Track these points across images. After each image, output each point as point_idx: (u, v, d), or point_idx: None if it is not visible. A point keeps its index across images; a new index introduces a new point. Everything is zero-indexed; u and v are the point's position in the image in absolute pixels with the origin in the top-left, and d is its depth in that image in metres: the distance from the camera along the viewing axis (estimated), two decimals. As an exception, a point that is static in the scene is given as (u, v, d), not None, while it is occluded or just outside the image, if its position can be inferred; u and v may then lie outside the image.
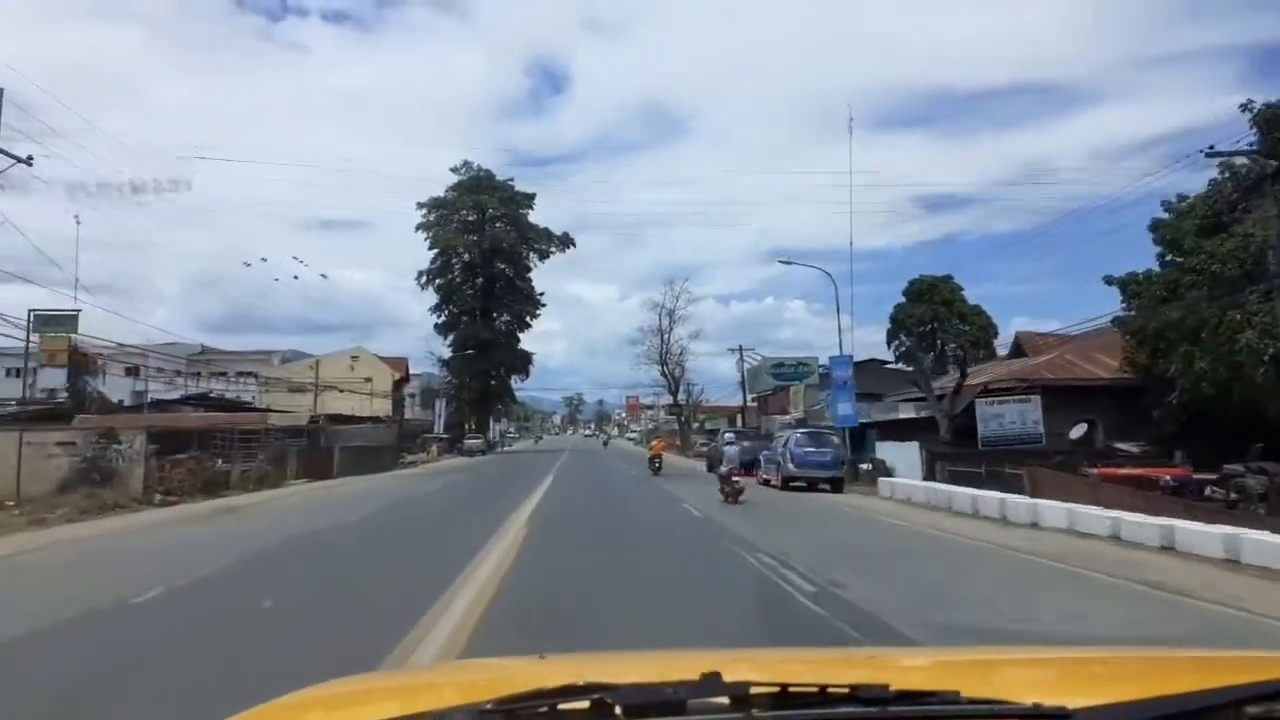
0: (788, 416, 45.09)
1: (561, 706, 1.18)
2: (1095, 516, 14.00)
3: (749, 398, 61.44)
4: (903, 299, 29.63)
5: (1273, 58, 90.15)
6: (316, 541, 14.10)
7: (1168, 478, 19.48)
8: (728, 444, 26.60)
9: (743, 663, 1.96)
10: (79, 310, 29.24)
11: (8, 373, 46.14)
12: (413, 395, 74.53)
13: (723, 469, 22.48)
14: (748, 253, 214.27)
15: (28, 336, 29.29)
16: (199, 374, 58.28)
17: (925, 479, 24.07)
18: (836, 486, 25.27)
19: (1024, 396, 26.75)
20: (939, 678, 1.80)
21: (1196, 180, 26.98)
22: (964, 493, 18.97)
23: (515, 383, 73.97)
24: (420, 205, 65.87)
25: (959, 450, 25.52)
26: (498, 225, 65.91)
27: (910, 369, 31.03)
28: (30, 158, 21.16)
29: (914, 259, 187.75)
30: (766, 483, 27.77)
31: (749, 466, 29.10)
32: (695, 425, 74.14)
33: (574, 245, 70.06)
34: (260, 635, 7.03)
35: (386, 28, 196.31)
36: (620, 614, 7.78)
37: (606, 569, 10.87)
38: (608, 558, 11.96)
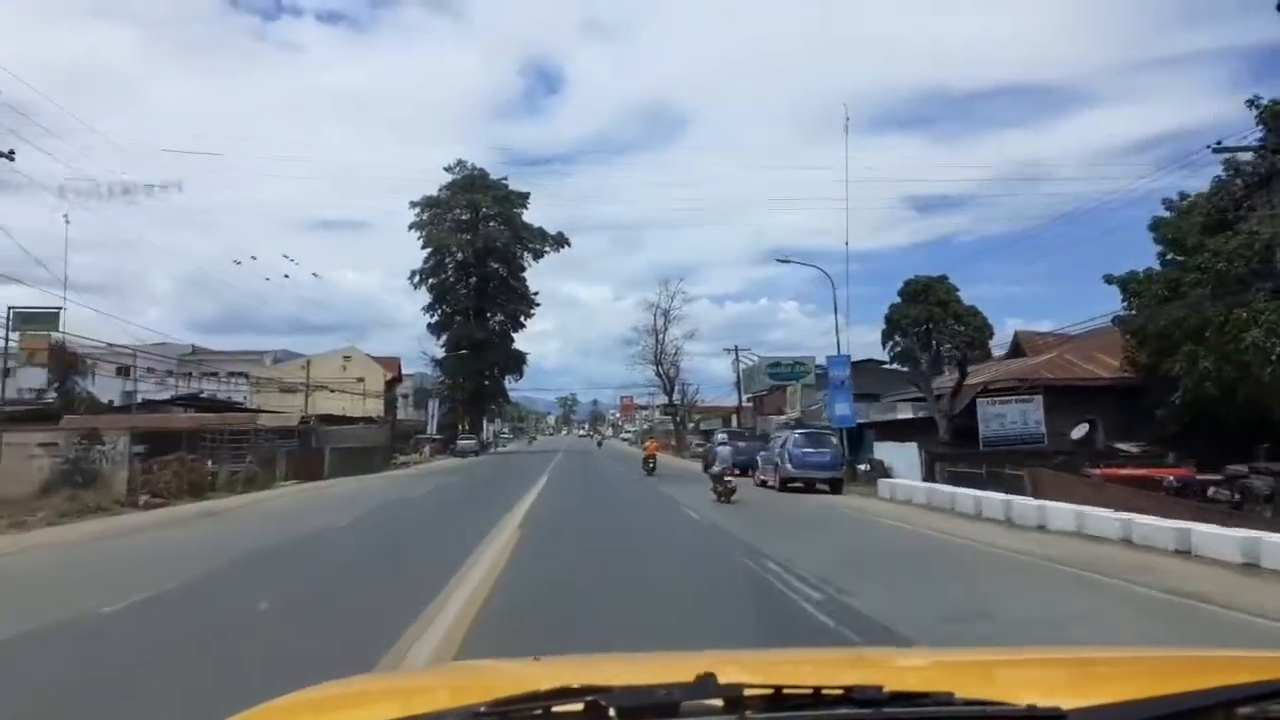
0: (784, 417, 44.79)
1: (556, 709, 1.18)
2: (1105, 519, 13.57)
3: (744, 398, 61.14)
4: (898, 300, 29.38)
5: (1269, 60, 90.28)
6: (294, 550, 13.15)
7: (1171, 479, 19.16)
8: (720, 444, 26.78)
9: (737, 664, 1.98)
10: (60, 308, 28.72)
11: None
12: (405, 396, 74.09)
13: (715, 469, 22.80)
14: (743, 253, 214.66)
15: (6, 335, 28.78)
16: (190, 374, 57.90)
17: (924, 480, 23.77)
18: (835, 488, 24.98)
19: (1026, 396, 26.48)
20: (934, 678, 1.80)
21: (1193, 181, 26.77)
22: (967, 494, 18.60)
23: (509, 383, 73.60)
24: (413, 204, 65.49)
25: (958, 451, 25.23)
26: (491, 224, 65.48)
27: (906, 369, 30.79)
28: (12, 152, 20.77)
29: (908, 260, 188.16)
30: (764, 484, 27.45)
31: (745, 467, 28.99)
32: (690, 426, 73.83)
33: (569, 245, 69.78)
34: (216, 655, 6.54)
35: (381, 28, 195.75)
36: (617, 625, 7.38)
37: (605, 574, 10.52)
38: (606, 560, 11.57)
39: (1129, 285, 25.06)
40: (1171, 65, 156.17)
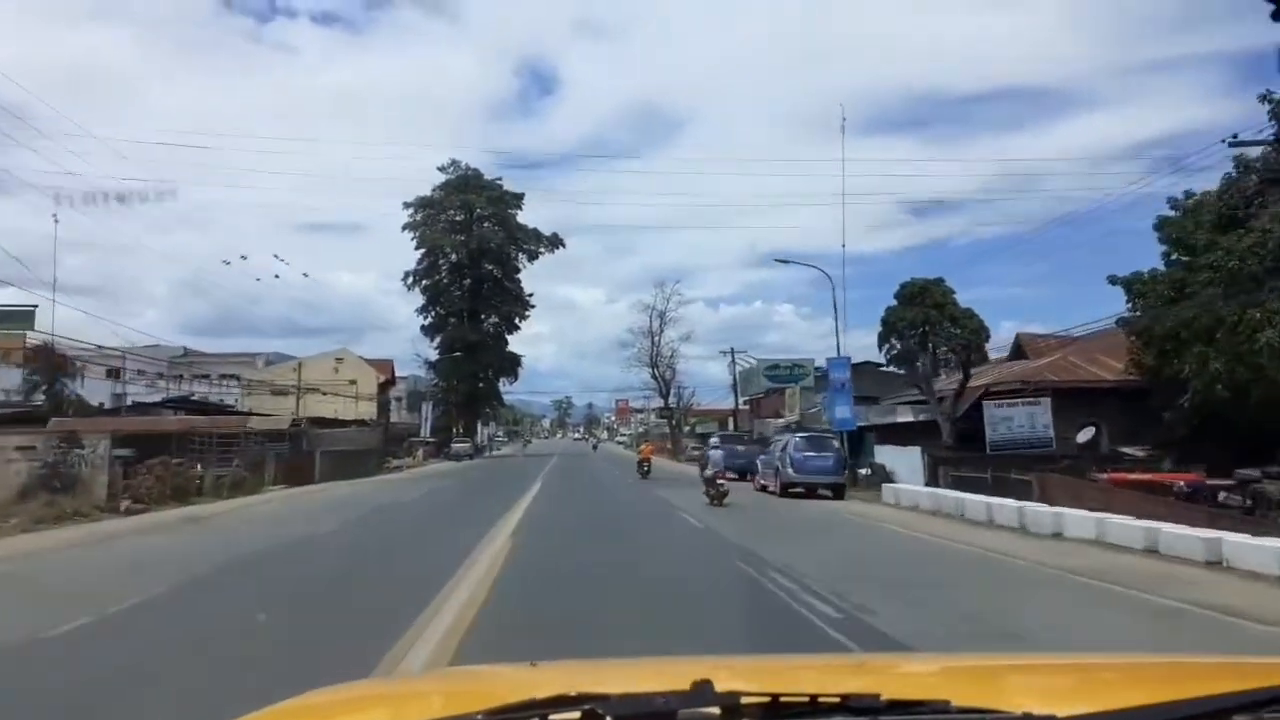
0: (783, 420, 44.33)
1: (552, 717, 1.17)
2: (1128, 527, 12.92)
3: (741, 401, 60.61)
4: (894, 302, 28.97)
5: (1261, 62, 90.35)
6: (274, 559, 12.43)
7: (1181, 484, 18.78)
8: (713, 448, 26.78)
9: (735, 670, 1.97)
10: (35, 306, 27.99)
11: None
12: (399, 398, 73.43)
13: (708, 472, 22.84)
14: (738, 256, 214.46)
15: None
16: (181, 376, 57.35)
17: (927, 484, 23.29)
18: (838, 493, 24.50)
19: (1033, 399, 26.06)
20: (932, 686, 1.79)
21: (1191, 182, 26.21)
22: (977, 500, 18.07)
23: (503, 385, 72.94)
24: (407, 205, 64.83)
25: (962, 454, 24.78)
26: (485, 225, 64.84)
27: (904, 372, 30.41)
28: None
29: (903, 263, 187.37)
30: (764, 488, 26.95)
31: (743, 472, 28.60)
32: (686, 429, 73.31)
33: (563, 246, 69.14)
34: (170, 680, 5.99)
35: (376, 29, 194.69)
36: (614, 644, 6.83)
37: (604, 584, 10.02)
38: (606, 573, 10.97)
39: (1134, 286, 24.60)
40: (1167, 69, 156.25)
